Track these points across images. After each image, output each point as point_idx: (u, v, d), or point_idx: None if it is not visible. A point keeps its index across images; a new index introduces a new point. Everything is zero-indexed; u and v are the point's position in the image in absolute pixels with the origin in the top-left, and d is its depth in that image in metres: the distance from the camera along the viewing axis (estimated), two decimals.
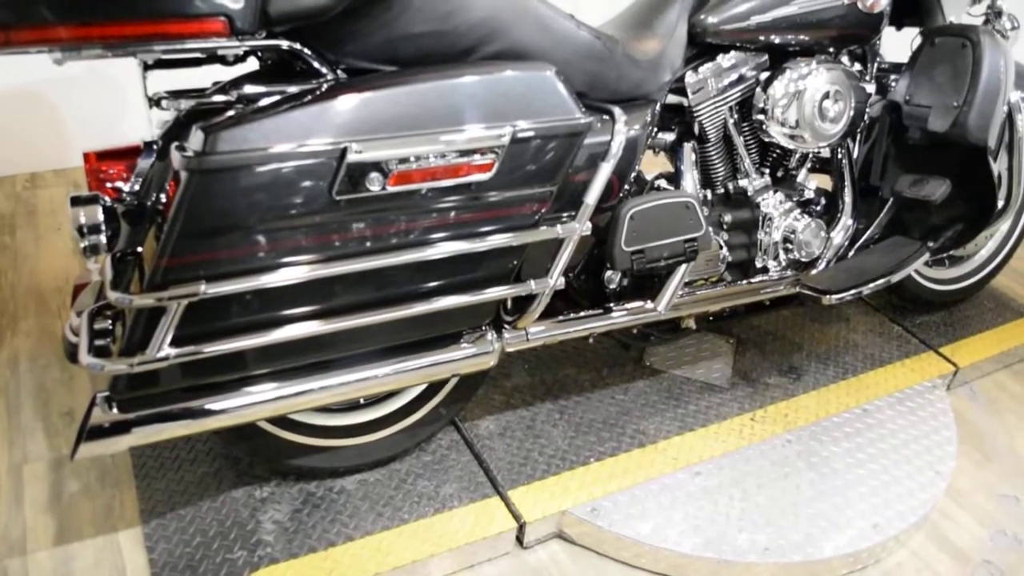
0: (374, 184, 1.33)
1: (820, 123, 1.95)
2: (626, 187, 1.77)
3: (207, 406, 1.47)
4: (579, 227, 1.57)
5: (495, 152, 1.40)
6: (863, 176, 2.24)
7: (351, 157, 1.29)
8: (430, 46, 1.46)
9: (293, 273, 1.36)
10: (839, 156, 2.18)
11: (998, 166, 2.13)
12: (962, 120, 1.96)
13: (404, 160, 1.33)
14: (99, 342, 1.39)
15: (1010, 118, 2.13)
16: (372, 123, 1.32)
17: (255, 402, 1.51)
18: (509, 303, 1.70)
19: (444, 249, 1.45)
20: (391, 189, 1.35)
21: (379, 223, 1.39)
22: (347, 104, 1.32)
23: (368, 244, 1.40)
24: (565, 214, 1.59)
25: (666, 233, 1.75)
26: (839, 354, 2.44)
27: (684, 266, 1.84)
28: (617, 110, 1.61)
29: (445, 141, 1.36)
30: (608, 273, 1.84)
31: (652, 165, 2.03)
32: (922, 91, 2.06)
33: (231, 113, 1.30)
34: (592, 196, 1.58)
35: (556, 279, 1.61)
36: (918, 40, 2.15)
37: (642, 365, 2.29)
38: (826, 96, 1.94)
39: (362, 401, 1.84)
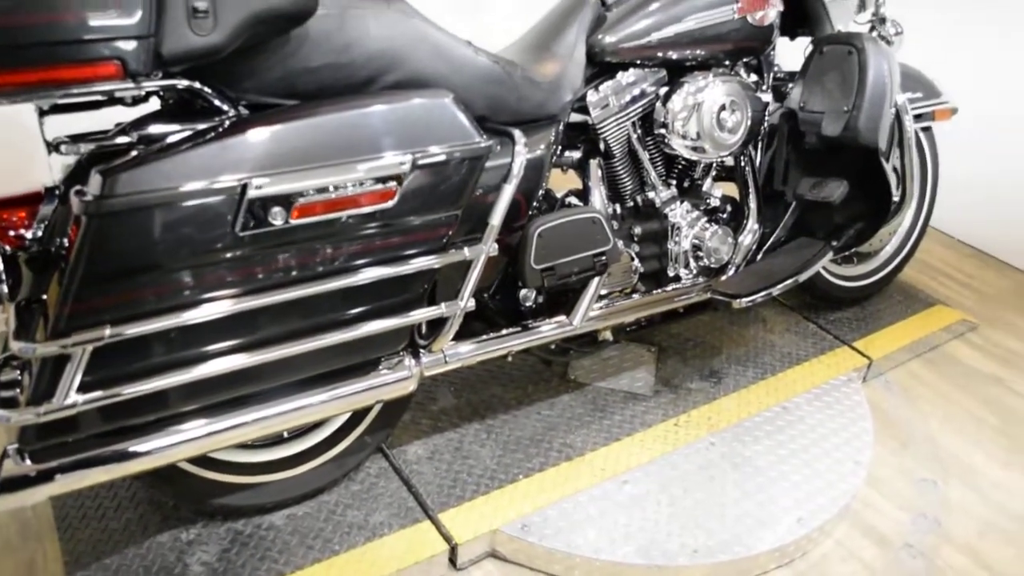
0: (277, 218, 1.34)
1: (719, 133, 2.01)
2: (534, 206, 1.81)
3: (125, 450, 1.45)
4: (486, 248, 1.60)
5: (397, 180, 1.42)
6: (768, 181, 2.32)
7: (252, 193, 1.30)
8: (330, 78, 1.47)
9: (201, 312, 1.36)
10: (742, 164, 2.25)
11: (891, 165, 2.23)
12: (853, 124, 2.04)
13: (305, 193, 1.35)
14: (5, 393, 1.37)
15: (898, 119, 2.22)
16: (272, 158, 1.33)
17: (175, 443, 1.49)
18: (424, 327, 1.72)
19: (352, 278, 1.46)
20: (295, 222, 1.36)
21: (285, 256, 1.40)
22: (246, 140, 1.33)
23: (276, 277, 1.41)
24: (472, 236, 1.62)
25: (575, 249, 1.79)
26: (758, 355, 2.51)
27: (596, 280, 1.88)
28: (517, 132, 1.65)
29: (346, 172, 1.37)
30: (523, 291, 1.87)
31: (565, 182, 2.07)
32: (815, 98, 2.14)
33: (131, 155, 1.29)
34: (497, 217, 1.61)
35: (466, 301, 1.63)
36: (810, 49, 2.24)
37: (567, 379, 2.32)
38: (723, 108, 2.01)
39: (285, 435, 1.83)
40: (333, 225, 1.40)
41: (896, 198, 2.18)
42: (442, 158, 1.46)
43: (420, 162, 1.43)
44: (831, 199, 2.13)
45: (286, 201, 1.34)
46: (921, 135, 2.70)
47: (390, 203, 1.43)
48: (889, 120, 2.10)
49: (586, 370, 2.36)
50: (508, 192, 1.61)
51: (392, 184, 1.42)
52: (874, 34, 2.36)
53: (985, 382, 2.60)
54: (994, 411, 2.47)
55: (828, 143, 2.12)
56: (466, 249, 1.58)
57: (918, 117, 2.59)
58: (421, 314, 1.59)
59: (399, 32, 1.53)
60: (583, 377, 2.33)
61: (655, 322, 2.21)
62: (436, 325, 1.69)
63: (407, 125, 1.44)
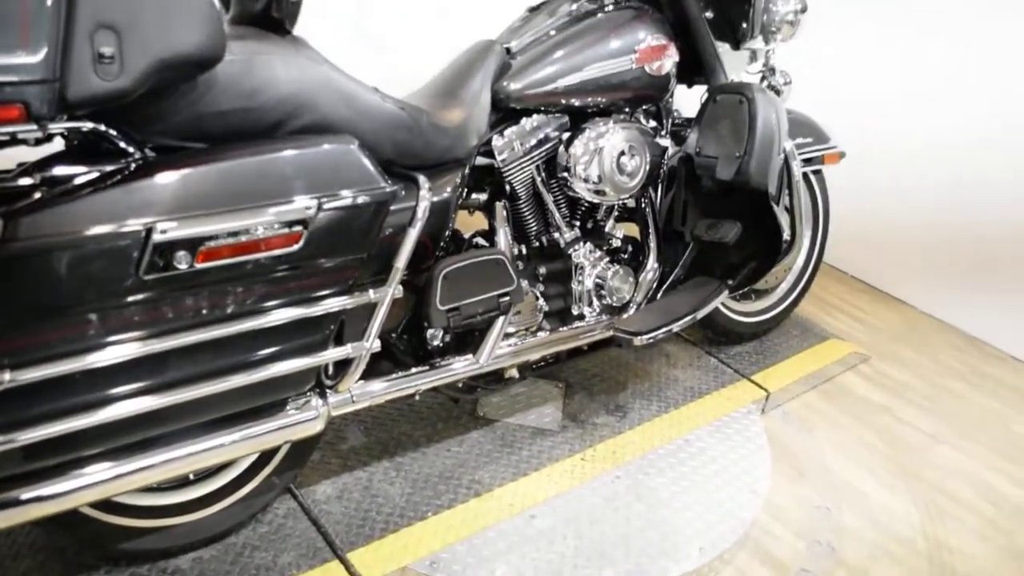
0: (182, 262, 1.35)
1: (619, 177, 2.10)
2: (441, 247, 1.85)
3: (23, 496, 1.42)
4: (390, 291, 1.64)
5: (302, 224, 1.45)
6: (668, 222, 2.41)
7: (157, 237, 1.31)
8: (238, 122, 1.50)
9: (104, 355, 1.36)
10: (643, 205, 2.34)
11: (782, 207, 2.35)
12: (744, 168, 2.15)
13: (211, 237, 1.36)
14: None
15: (787, 164, 2.35)
16: (178, 202, 1.35)
17: (77, 487, 1.47)
18: (331, 367, 1.74)
19: (258, 320, 1.48)
20: (199, 266, 1.37)
21: (190, 299, 1.41)
22: (152, 184, 1.34)
23: (181, 320, 1.42)
24: (378, 278, 1.65)
25: (479, 290, 1.84)
26: (661, 389, 2.59)
27: (501, 319, 1.93)
28: (422, 177, 1.70)
29: (251, 217, 1.40)
30: (430, 330, 1.91)
31: (473, 224, 2.13)
32: (709, 143, 2.25)
33: (33, 197, 1.29)
34: (402, 260, 1.65)
35: (372, 342, 1.66)
36: (705, 97, 2.35)
37: (476, 416, 2.36)
38: (623, 153, 2.10)
39: (192, 477, 1.82)
40: (239, 268, 1.42)
41: (787, 239, 2.30)
42: (347, 203, 1.49)
43: (325, 207, 1.47)
44: (726, 240, 2.24)
45: (191, 245, 1.35)
46: (812, 177, 2.86)
47: (296, 247, 1.46)
48: (778, 165, 2.22)
49: (495, 406, 2.40)
50: (413, 236, 1.66)
51: (298, 228, 1.45)
52: (764, 83, 2.49)
53: (875, 411, 2.73)
54: (883, 439, 2.60)
55: (722, 186, 2.23)
56: (371, 291, 1.62)
57: (809, 161, 2.74)
58: (327, 356, 1.62)
59: (307, 78, 1.56)
60: (492, 413, 2.38)
61: (561, 359, 2.26)
62: (343, 365, 1.72)
63: (313, 170, 1.47)
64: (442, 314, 1.79)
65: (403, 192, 1.64)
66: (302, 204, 1.44)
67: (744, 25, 2.26)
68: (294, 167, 1.45)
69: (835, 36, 3.30)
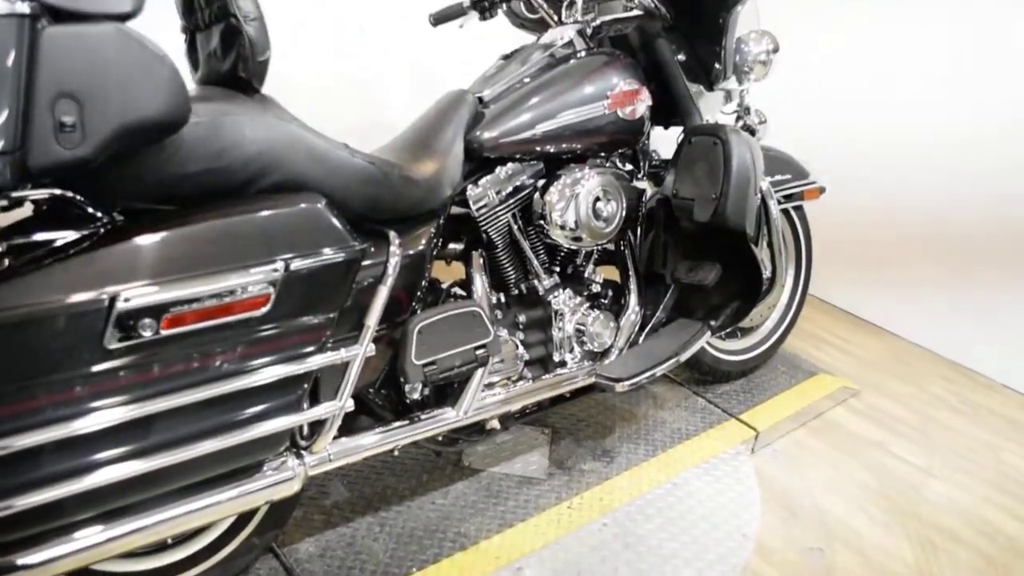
0: (147, 330, 1.34)
1: (595, 223, 2.10)
2: (417, 300, 1.84)
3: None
4: (362, 349, 1.63)
5: (269, 286, 1.44)
6: (649, 264, 2.41)
7: (120, 306, 1.30)
8: (206, 183, 1.49)
9: (73, 426, 1.34)
10: (622, 249, 2.34)
11: (761, 246, 2.35)
12: (721, 210, 2.15)
13: (176, 303, 1.35)
14: None
15: (764, 203, 2.35)
16: (142, 268, 1.34)
17: (52, 557, 1.44)
18: (306, 427, 1.72)
19: (227, 385, 1.46)
20: (166, 333, 1.36)
21: (158, 366, 1.39)
22: (116, 252, 1.33)
23: (149, 388, 1.40)
24: (350, 336, 1.64)
25: (456, 343, 1.83)
26: (649, 432, 2.57)
27: (480, 371, 1.92)
28: (392, 233, 1.69)
29: (217, 281, 1.39)
30: (408, 384, 1.89)
31: (452, 273, 2.12)
32: (686, 185, 2.25)
33: None
34: (373, 318, 1.64)
35: (344, 402, 1.64)
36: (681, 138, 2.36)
37: (461, 466, 2.33)
38: (598, 198, 2.09)
39: (170, 540, 1.79)
40: (206, 333, 1.41)
41: (768, 278, 2.29)
42: (315, 262, 1.48)
43: (293, 268, 1.46)
44: (705, 282, 2.23)
45: (156, 312, 1.34)
46: (793, 213, 2.86)
47: (263, 309, 1.44)
48: (755, 205, 2.22)
49: (480, 456, 2.38)
50: (383, 293, 1.65)
51: (265, 290, 1.43)
52: (740, 123, 2.50)
53: (867, 447, 2.71)
54: (875, 475, 2.57)
55: (700, 228, 2.22)
56: (343, 350, 1.60)
57: (789, 197, 2.75)
58: (298, 418, 1.59)
59: (275, 136, 1.56)
60: (477, 463, 2.35)
61: (544, 407, 2.24)
62: (318, 425, 1.69)
63: (279, 231, 1.46)
64: (418, 369, 1.78)
65: (373, 249, 1.64)
66: (269, 266, 1.43)
67: (716, 67, 2.27)
68: (260, 228, 1.45)
69: (813, 66, 3.32)
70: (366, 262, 1.61)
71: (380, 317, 1.66)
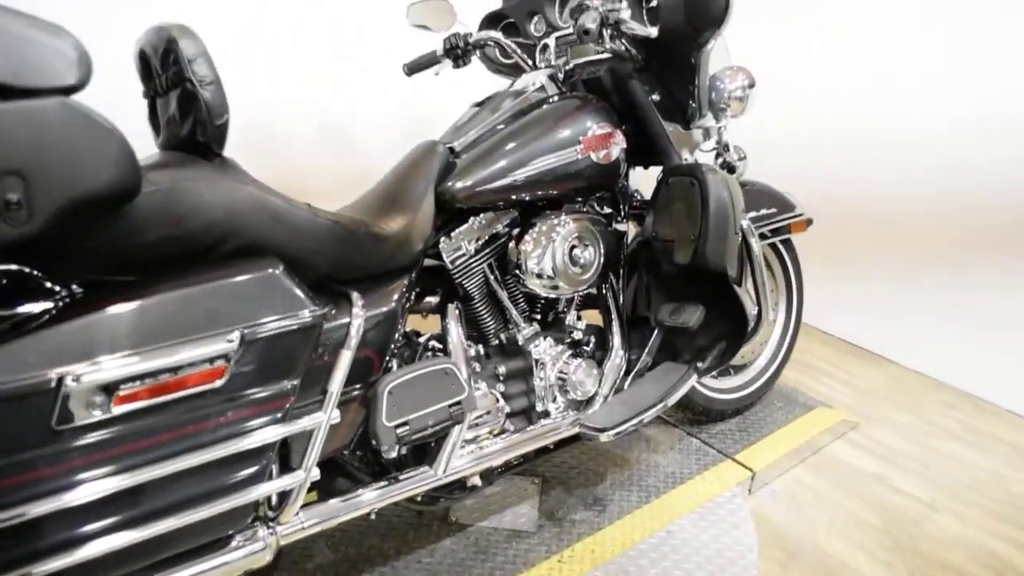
0: (98, 409, 1.30)
1: (572, 270, 2.06)
2: (390, 357, 1.80)
3: None
4: (326, 417, 1.59)
5: (224, 358, 1.40)
6: (633, 307, 2.37)
7: (68, 385, 1.27)
8: (165, 252, 1.46)
9: (23, 510, 1.30)
10: (604, 293, 2.30)
11: (746, 285, 2.31)
12: (701, 251, 2.11)
13: (127, 380, 1.32)
14: None
15: (745, 241, 2.31)
16: (94, 345, 1.31)
17: None
18: (274, 496, 1.67)
19: (186, 461, 1.42)
20: (118, 411, 1.32)
21: (112, 445, 1.35)
22: (67, 328, 1.30)
23: (104, 468, 1.36)
24: (314, 403, 1.60)
25: (428, 402, 1.78)
26: (642, 477, 2.51)
27: (457, 428, 1.87)
28: (355, 294, 1.65)
29: (170, 355, 1.35)
30: (380, 447, 1.85)
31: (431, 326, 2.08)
32: (665, 227, 2.22)
33: None
34: (335, 384, 1.60)
35: (310, 472, 1.60)
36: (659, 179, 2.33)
37: (448, 522, 2.28)
38: (574, 245, 2.06)
39: None
40: (161, 409, 1.37)
41: (753, 318, 2.25)
42: (273, 331, 1.45)
43: (249, 337, 1.42)
44: (689, 324, 2.19)
45: (107, 390, 1.31)
46: (781, 247, 2.82)
47: (220, 382, 1.41)
48: (736, 244, 2.18)
49: (468, 510, 2.32)
50: (347, 358, 1.61)
51: (221, 362, 1.40)
52: (719, 160, 2.47)
53: (868, 481, 2.64)
54: (876, 511, 2.50)
55: (681, 270, 2.18)
56: (306, 418, 1.56)
57: (775, 231, 2.71)
58: (262, 490, 1.55)
59: (235, 200, 1.54)
60: (465, 518, 2.30)
61: (529, 459, 2.19)
62: (286, 493, 1.65)
63: (234, 300, 1.43)
64: (390, 431, 1.74)
65: (334, 311, 1.60)
66: (224, 337, 1.40)
67: (691, 105, 2.24)
68: (215, 298, 1.41)
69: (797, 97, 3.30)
70: (329, 325, 1.58)
71: (345, 381, 1.62)
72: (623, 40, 2.18)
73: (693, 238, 2.13)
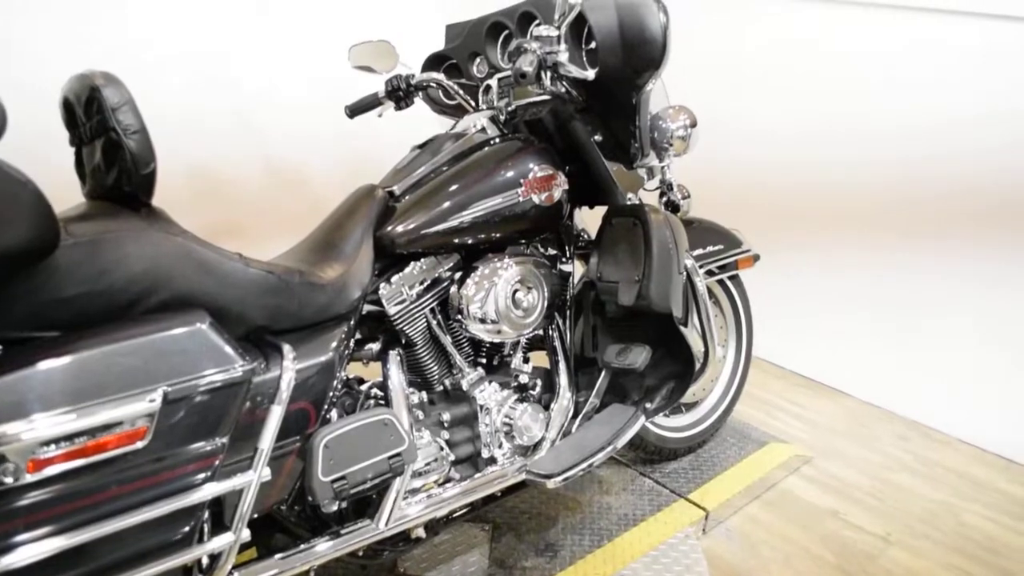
0: (10, 476, 1.24)
1: (515, 314, 2.04)
2: (328, 407, 1.76)
3: None
4: (256, 475, 1.53)
5: (147, 418, 1.35)
6: (581, 349, 2.35)
7: None
8: (87, 307, 1.41)
9: None
10: (551, 335, 2.27)
11: (692, 324, 2.29)
12: (644, 292, 2.10)
13: (41, 444, 1.26)
14: None
15: (690, 280, 2.31)
16: (7, 407, 1.25)
17: None
18: (205, 559, 1.61)
19: (109, 526, 1.36)
20: (31, 477, 1.26)
21: (27, 512, 1.29)
22: None
23: (20, 535, 1.30)
24: (245, 460, 1.55)
25: (367, 454, 1.74)
26: (594, 520, 2.48)
27: (398, 480, 1.83)
28: (286, 346, 1.61)
29: (86, 417, 1.30)
30: (316, 502, 1.79)
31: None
32: (609, 268, 2.20)
33: None
34: (266, 441, 1.55)
35: (239, 532, 1.54)
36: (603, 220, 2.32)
37: (396, 574, 2.22)
38: (517, 288, 2.04)
39: None
40: (79, 474, 1.32)
41: (700, 357, 2.24)
42: (199, 387, 1.40)
43: (172, 396, 1.37)
44: (635, 366, 2.17)
45: (19, 455, 1.25)
46: (729, 283, 2.82)
47: (141, 443, 1.35)
48: (680, 284, 2.18)
49: (416, 560, 2.27)
50: (277, 413, 1.56)
51: (142, 423, 1.35)
52: (663, 199, 2.47)
53: (822, 516, 2.63)
54: (831, 547, 2.49)
55: (627, 311, 2.17)
56: (235, 477, 1.51)
57: (723, 267, 2.71)
58: (190, 555, 1.49)
59: (161, 252, 1.49)
60: (413, 569, 2.24)
61: (477, 507, 2.15)
62: (218, 556, 1.59)
63: (158, 356, 1.38)
64: (326, 486, 1.69)
65: (265, 365, 1.55)
66: (144, 397, 1.35)
67: (634, 145, 2.24)
68: (136, 355, 1.36)
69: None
70: (260, 379, 1.53)
71: (277, 436, 1.57)
72: (563, 82, 2.17)
73: (637, 279, 2.12)
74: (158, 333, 1.40)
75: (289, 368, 1.58)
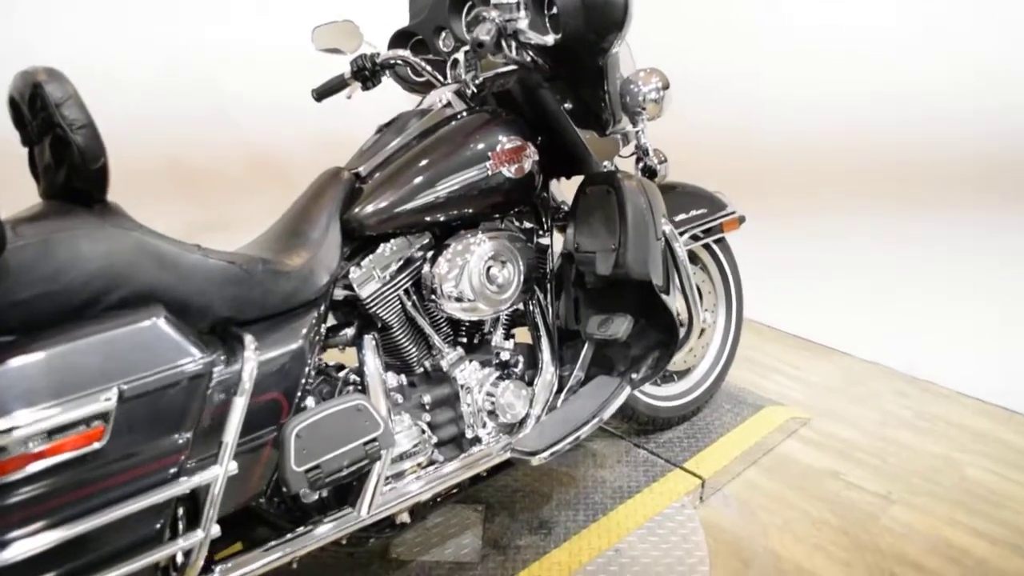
0: None
1: (490, 290, 2.00)
2: (304, 396, 1.73)
3: None
4: (222, 470, 1.50)
5: (103, 418, 1.32)
6: (564, 322, 2.30)
7: None
8: (43, 308, 1.38)
9: None
10: (532, 310, 2.23)
11: (675, 291, 2.25)
12: (622, 261, 2.06)
13: None
14: None
15: (669, 246, 2.25)
16: None
17: None
18: (180, 556, 1.58)
19: (74, 528, 1.34)
20: None
21: None
22: None
23: None
24: (211, 456, 1.51)
25: (340, 442, 1.70)
26: (588, 495, 2.45)
27: (378, 464, 1.80)
28: (248, 337, 1.57)
29: (41, 420, 1.27)
30: (291, 493, 1.76)
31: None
32: (585, 238, 2.16)
33: None
34: (230, 434, 1.51)
35: (209, 529, 1.51)
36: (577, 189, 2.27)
37: (388, 559, 2.19)
38: (491, 264, 1.99)
39: None
40: (38, 478, 1.29)
41: (685, 322, 2.20)
42: (156, 383, 1.37)
43: (129, 394, 1.34)
44: (617, 336, 2.13)
45: None
46: (715, 247, 2.78)
47: (99, 444, 1.32)
48: (658, 251, 2.13)
49: (409, 544, 2.24)
50: (240, 405, 1.52)
51: (98, 423, 1.32)
52: (640, 165, 2.41)
53: (822, 478, 2.60)
54: (833, 509, 2.45)
55: (606, 281, 2.13)
56: (200, 473, 1.48)
57: (708, 231, 2.66)
58: (159, 553, 1.46)
59: (117, 248, 1.46)
60: (405, 554, 2.21)
61: (464, 488, 2.11)
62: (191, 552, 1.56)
63: (112, 354, 1.35)
64: (300, 475, 1.65)
65: (223, 357, 1.52)
66: (100, 396, 1.31)
67: (605, 111, 2.18)
68: (89, 354, 1.33)
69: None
70: (221, 371, 1.50)
71: (243, 429, 1.53)
72: (528, 50, 2.12)
73: (613, 247, 2.07)
74: (112, 331, 1.37)
75: (251, 359, 1.54)
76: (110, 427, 1.33)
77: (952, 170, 2.92)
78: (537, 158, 2.15)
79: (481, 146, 2.04)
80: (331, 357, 2.02)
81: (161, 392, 1.38)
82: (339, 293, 1.92)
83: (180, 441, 1.43)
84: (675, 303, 2.20)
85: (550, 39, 2.03)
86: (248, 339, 1.57)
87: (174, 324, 1.42)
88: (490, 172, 2.04)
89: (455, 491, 2.09)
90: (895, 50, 2.86)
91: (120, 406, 1.33)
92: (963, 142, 2.80)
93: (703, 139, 2.68)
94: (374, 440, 1.75)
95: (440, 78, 2.37)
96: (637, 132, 2.37)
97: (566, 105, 2.25)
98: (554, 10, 2.05)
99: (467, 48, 2.25)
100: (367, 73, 2.37)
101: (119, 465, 1.37)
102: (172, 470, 1.44)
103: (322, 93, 2.46)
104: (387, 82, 2.49)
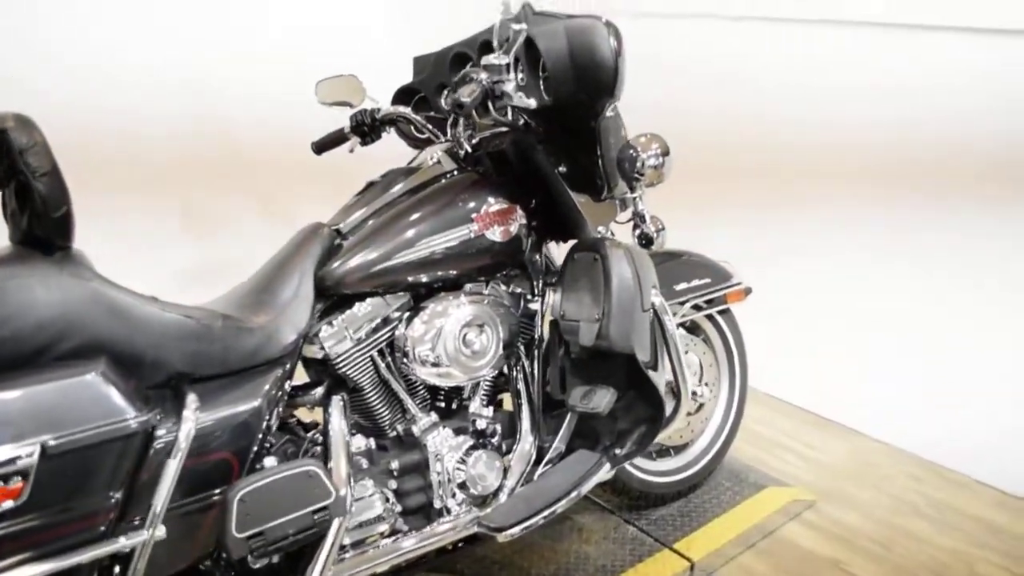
0: None
1: (466, 357, 1.94)
2: (259, 456, 1.68)
3: None
4: (148, 535, 1.45)
5: (21, 475, 1.28)
6: (548, 391, 2.23)
7: None
8: None
9: None
10: (515, 376, 2.17)
11: (663, 366, 2.16)
12: (604, 332, 1.98)
13: None
14: None
15: (659, 320, 2.17)
16: None
17: None
18: None
19: None
20: None
21: None
22: None
23: None
24: (141, 519, 1.46)
25: (287, 509, 1.64)
26: (569, 572, 2.34)
27: (332, 532, 1.73)
28: (190, 396, 1.53)
29: None
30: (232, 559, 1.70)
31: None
32: (571, 306, 2.09)
33: None
34: (159, 499, 1.46)
35: None
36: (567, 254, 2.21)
37: None
38: (467, 329, 1.94)
39: None
40: None
41: (668, 402, 2.11)
42: (83, 440, 1.33)
43: (54, 450, 1.30)
44: (599, 410, 2.04)
45: None
46: (719, 318, 2.69)
47: (16, 502, 1.28)
48: (645, 324, 2.05)
49: None
50: (172, 468, 1.47)
51: (16, 480, 1.27)
52: (636, 232, 2.34)
53: (822, 568, 2.46)
54: None
55: (590, 351, 2.06)
56: (124, 537, 1.42)
57: (710, 302, 2.58)
58: None
59: (71, 298, 1.44)
60: None
61: (429, 559, 2.03)
62: None
63: (40, 407, 1.32)
64: (241, 542, 1.59)
65: (160, 416, 1.47)
66: (19, 452, 1.27)
67: (599, 176, 2.13)
68: (15, 407, 1.30)
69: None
70: (161, 431, 1.45)
71: (172, 493, 1.48)
72: (521, 112, 2.09)
73: (598, 318, 2.00)
74: (44, 383, 1.34)
75: (189, 419, 1.50)
76: (30, 484, 1.29)
77: (987, 233, 2.83)
78: (525, 221, 2.10)
79: (466, 207, 2.00)
80: (305, 415, 1.97)
81: (91, 450, 1.34)
82: (313, 351, 1.88)
83: (109, 502, 1.39)
84: (663, 378, 2.11)
85: (533, 102, 1.99)
86: (190, 398, 1.52)
87: (112, 380, 1.39)
88: (473, 234, 2.00)
89: (420, 561, 2.01)
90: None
91: (42, 462, 1.29)
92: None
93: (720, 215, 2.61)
94: (324, 508, 1.68)
95: (440, 136, 2.35)
96: (635, 198, 2.30)
97: (560, 168, 2.20)
98: (547, 73, 2.01)
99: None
100: (366, 128, 2.35)
101: (39, 523, 1.33)
102: (99, 529, 1.39)
103: (321, 146, 2.45)
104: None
